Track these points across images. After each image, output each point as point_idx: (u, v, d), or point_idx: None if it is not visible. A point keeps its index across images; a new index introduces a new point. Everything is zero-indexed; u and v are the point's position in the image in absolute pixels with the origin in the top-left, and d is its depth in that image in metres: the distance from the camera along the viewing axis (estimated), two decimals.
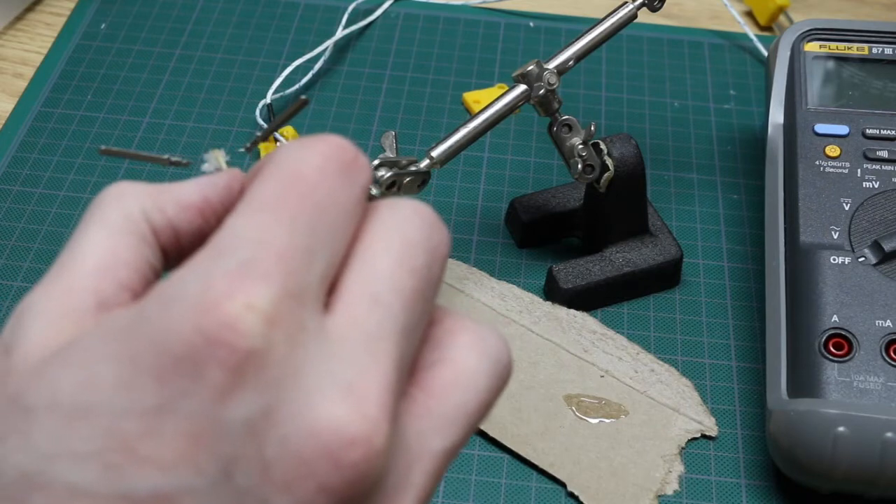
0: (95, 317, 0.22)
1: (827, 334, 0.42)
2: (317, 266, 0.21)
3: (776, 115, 0.50)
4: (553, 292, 0.49)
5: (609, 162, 0.48)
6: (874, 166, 0.47)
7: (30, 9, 0.66)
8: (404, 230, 0.23)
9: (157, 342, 0.20)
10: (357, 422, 0.20)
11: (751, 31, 0.65)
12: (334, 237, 0.22)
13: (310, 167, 0.22)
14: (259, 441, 0.19)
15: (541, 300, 0.49)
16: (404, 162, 0.42)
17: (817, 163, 0.47)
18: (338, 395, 0.20)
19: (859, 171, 0.47)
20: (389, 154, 0.43)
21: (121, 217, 0.23)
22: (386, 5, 0.66)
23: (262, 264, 0.20)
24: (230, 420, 0.19)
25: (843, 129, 0.48)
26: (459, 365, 0.23)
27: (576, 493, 0.42)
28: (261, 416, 0.19)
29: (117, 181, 0.25)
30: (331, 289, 0.22)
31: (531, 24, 0.66)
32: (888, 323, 0.42)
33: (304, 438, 0.19)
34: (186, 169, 0.55)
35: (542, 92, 0.45)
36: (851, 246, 0.44)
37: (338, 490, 0.20)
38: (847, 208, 0.45)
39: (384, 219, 0.23)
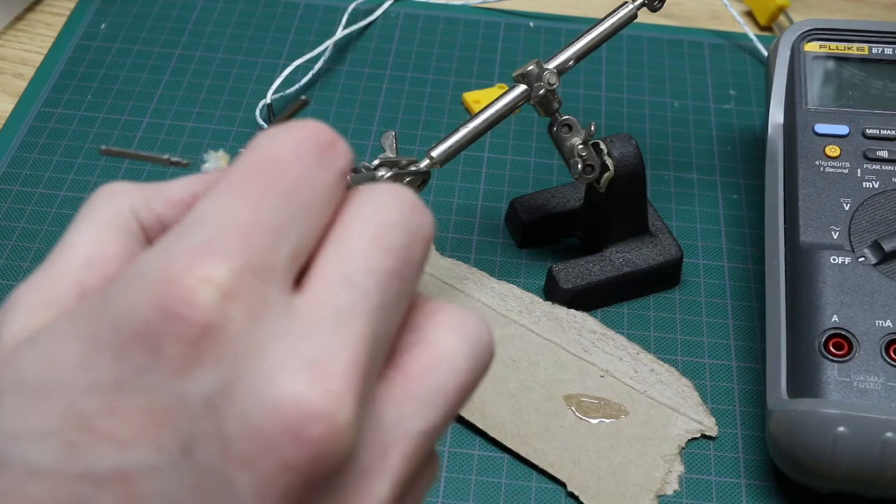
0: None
1: (827, 334, 0.42)
2: (285, 245, 0.21)
3: (776, 115, 0.50)
4: (553, 292, 0.49)
5: (609, 162, 0.48)
6: (874, 166, 0.47)
7: (30, 9, 0.66)
8: (382, 212, 0.22)
9: (117, 319, 0.20)
10: (319, 397, 0.19)
11: (751, 31, 0.65)
12: (306, 219, 0.22)
13: (283, 149, 0.22)
14: (219, 417, 0.19)
15: (541, 300, 0.49)
16: (404, 162, 0.42)
17: (817, 163, 0.47)
18: (300, 370, 0.19)
19: (859, 171, 0.47)
20: (389, 154, 0.43)
21: (109, 214, 0.24)
22: (386, 5, 0.66)
23: (223, 241, 0.20)
24: (189, 396, 0.19)
25: (843, 129, 0.48)
26: (438, 347, 0.23)
27: (576, 493, 0.42)
28: (220, 391, 0.19)
29: (111, 181, 0.25)
30: (306, 270, 0.22)
31: (531, 24, 0.66)
32: (888, 323, 0.42)
33: (265, 413, 0.19)
34: (186, 169, 0.55)
35: (542, 92, 0.45)
36: (851, 246, 0.44)
37: (302, 468, 0.19)
38: (847, 208, 0.45)
39: (362, 202, 0.23)
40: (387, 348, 0.22)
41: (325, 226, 0.22)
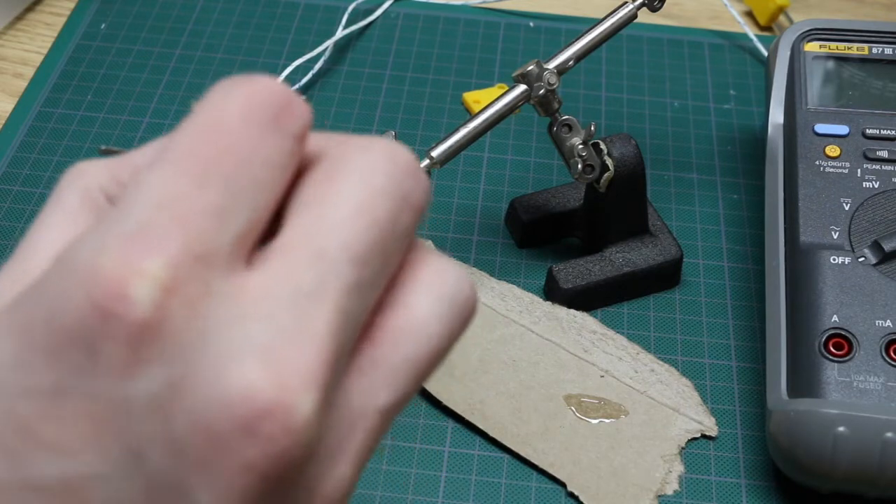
0: None
1: (827, 334, 0.42)
2: (232, 225, 0.19)
3: (776, 115, 0.50)
4: (553, 292, 0.49)
5: (609, 162, 0.48)
6: (874, 166, 0.47)
7: (30, 9, 0.66)
8: (371, 175, 0.20)
9: (49, 317, 0.18)
10: (271, 388, 0.17)
11: (751, 31, 0.65)
12: (256, 194, 0.19)
13: (231, 115, 0.20)
14: (168, 418, 0.18)
15: (541, 300, 0.49)
16: None
17: (817, 163, 0.47)
18: (251, 359, 0.18)
19: (859, 171, 0.47)
20: None
21: (77, 196, 0.22)
22: (386, 5, 0.66)
23: (160, 225, 0.18)
24: (133, 398, 0.18)
25: (843, 129, 0.48)
26: (411, 310, 0.21)
27: (576, 493, 0.42)
28: (167, 390, 0.18)
29: (78, 162, 0.23)
30: (271, 235, 0.20)
31: (531, 24, 0.67)
32: (888, 323, 0.42)
33: (215, 410, 0.17)
34: None
35: (542, 92, 0.45)
36: (851, 246, 0.44)
37: (260, 467, 0.18)
38: (847, 208, 0.45)
39: (347, 160, 0.20)
40: (362, 323, 0.20)
41: (280, 196, 0.20)
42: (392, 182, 0.20)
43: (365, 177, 0.20)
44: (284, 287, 0.19)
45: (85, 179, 0.23)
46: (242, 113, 0.20)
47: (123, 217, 0.18)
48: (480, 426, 0.44)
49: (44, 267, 0.21)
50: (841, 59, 0.51)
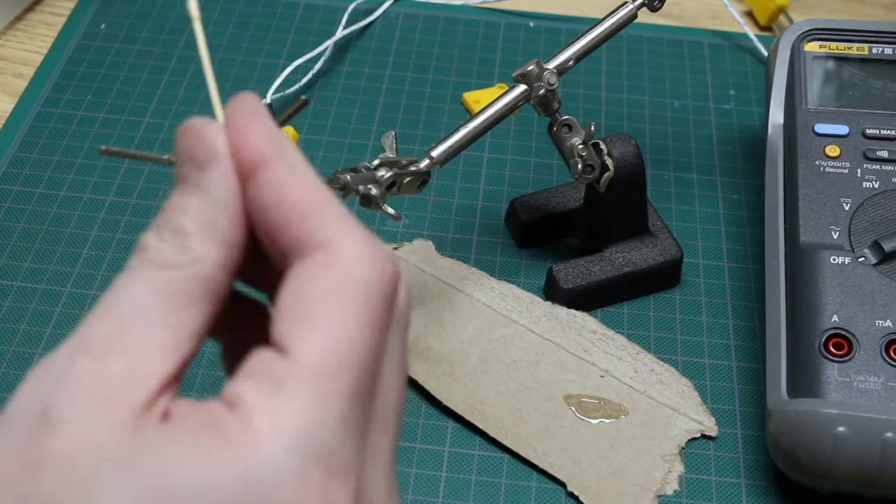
0: (144, 416, 0.20)
1: (827, 334, 0.42)
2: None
3: (776, 115, 0.50)
4: (553, 292, 0.49)
5: (609, 162, 0.48)
6: (874, 166, 0.47)
7: (30, 9, 0.66)
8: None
9: None
10: None
11: (751, 31, 0.65)
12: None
13: (378, 319, 0.22)
14: None
15: (541, 300, 0.49)
16: (404, 162, 0.42)
17: (817, 163, 0.47)
18: None
19: (859, 171, 0.47)
20: (389, 154, 0.43)
21: (190, 283, 0.22)
22: (386, 5, 0.66)
23: (346, 460, 0.20)
24: None
25: (843, 129, 0.48)
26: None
27: (576, 493, 0.42)
28: None
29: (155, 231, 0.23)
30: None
31: (531, 24, 0.66)
32: (888, 323, 0.42)
33: None
34: None
35: (542, 92, 0.45)
36: (851, 246, 0.44)
37: None
38: (847, 208, 0.45)
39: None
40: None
41: None
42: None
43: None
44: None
45: (194, 256, 0.22)
46: (384, 317, 0.22)
47: (306, 434, 0.20)
48: (480, 426, 0.44)
49: (149, 369, 0.20)
50: (841, 59, 0.51)
